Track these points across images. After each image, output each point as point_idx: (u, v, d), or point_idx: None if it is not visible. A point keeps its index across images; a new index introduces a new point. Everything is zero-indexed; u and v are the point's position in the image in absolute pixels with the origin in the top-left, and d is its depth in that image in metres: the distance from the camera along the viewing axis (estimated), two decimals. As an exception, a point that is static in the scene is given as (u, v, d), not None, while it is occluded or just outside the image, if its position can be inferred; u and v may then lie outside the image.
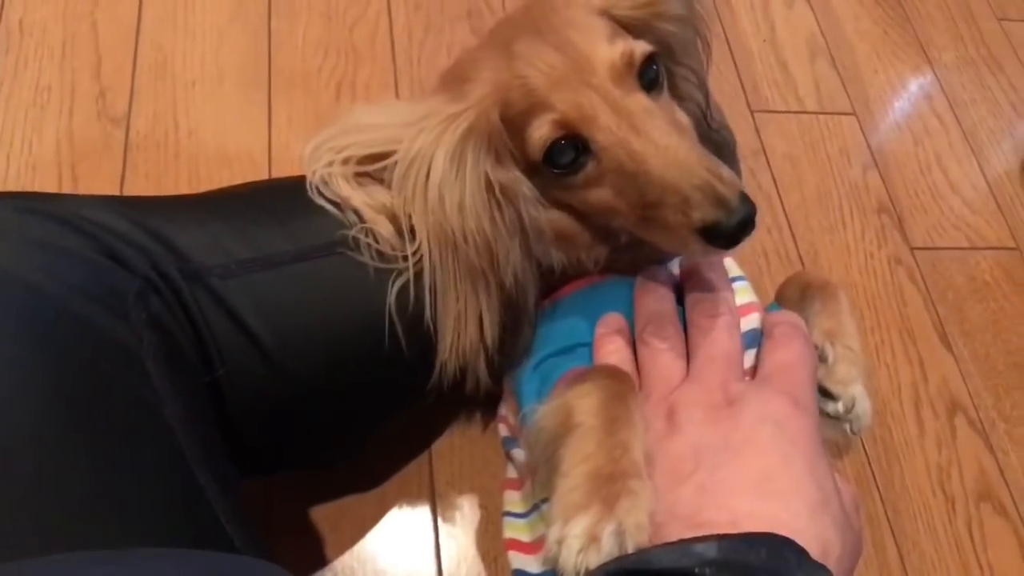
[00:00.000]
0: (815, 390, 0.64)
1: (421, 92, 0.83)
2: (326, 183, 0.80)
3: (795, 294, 0.90)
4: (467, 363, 0.79)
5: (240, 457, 0.86)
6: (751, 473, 0.54)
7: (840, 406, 0.70)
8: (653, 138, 0.64)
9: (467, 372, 0.80)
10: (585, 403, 0.60)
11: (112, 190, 1.30)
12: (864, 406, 0.73)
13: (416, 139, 0.73)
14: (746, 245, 0.63)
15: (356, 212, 0.81)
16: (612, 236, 0.76)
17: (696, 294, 0.70)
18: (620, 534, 0.52)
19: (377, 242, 0.79)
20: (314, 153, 0.82)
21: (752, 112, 1.62)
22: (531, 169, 0.72)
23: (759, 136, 1.59)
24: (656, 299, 0.72)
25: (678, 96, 0.78)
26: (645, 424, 0.61)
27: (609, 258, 0.78)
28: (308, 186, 0.81)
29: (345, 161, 0.79)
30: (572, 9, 0.72)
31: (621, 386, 0.63)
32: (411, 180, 0.73)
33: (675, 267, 0.78)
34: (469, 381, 0.81)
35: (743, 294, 0.75)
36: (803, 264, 1.45)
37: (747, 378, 0.66)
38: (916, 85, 1.72)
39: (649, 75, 0.69)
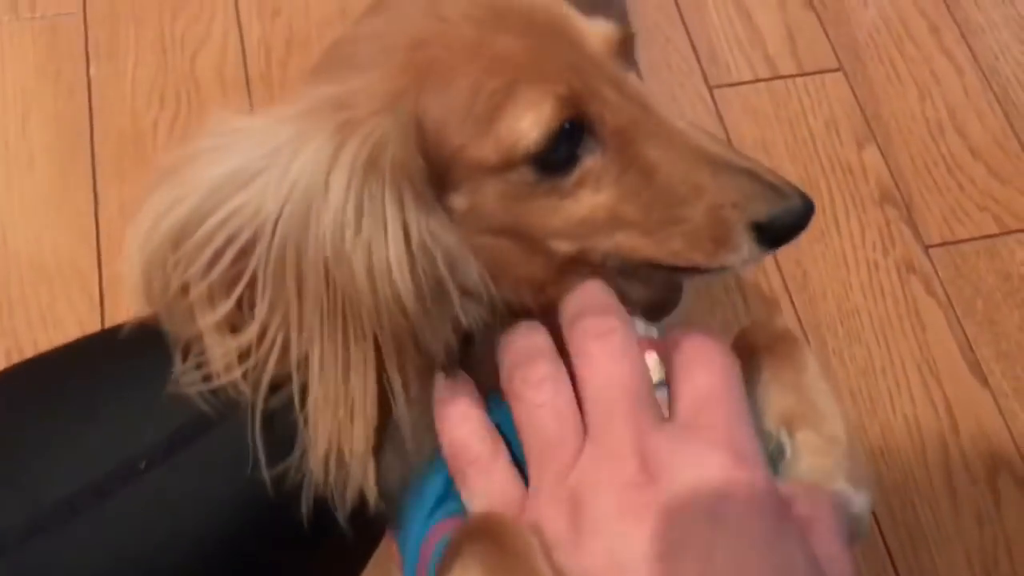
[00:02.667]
0: (751, 420, 0.50)
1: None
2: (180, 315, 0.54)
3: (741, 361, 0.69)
4: (348, 470, 0.56)
5: None
6: None
7: None
8: (670, 121, 0.53)
9: (344, 489, 0.56)
10: None
11: (-98, 342, 1.03)
12: (857, 505, 0.58)
13: (283, 176, 0.48)
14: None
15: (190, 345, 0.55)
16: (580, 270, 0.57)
17: (572, 310, 0.54)
18: None
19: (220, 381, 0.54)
20: (145, 269, 0.54)
21: (710, 88, 1.29)
22: (484, 172, 0.53)
23: (721, 121, 1.26)
24: (523, 333, 0.55)
25: None
26: (542, 528, 0.47)
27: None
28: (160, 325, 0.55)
29: (188, 285, 0.53)
30: None
31: (504, 555, 0.48)
32: (275, 242, 0.50)
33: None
34: (347, 500, 0.56)
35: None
36: (789, 294, 1.16)
37: (666, 416, 0.51)
38: (917, 13, 1.37)
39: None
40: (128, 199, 1.14)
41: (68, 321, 1.07)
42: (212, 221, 0.50)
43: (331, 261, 0.49)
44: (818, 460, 0.60)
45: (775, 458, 0.61)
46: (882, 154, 1.26)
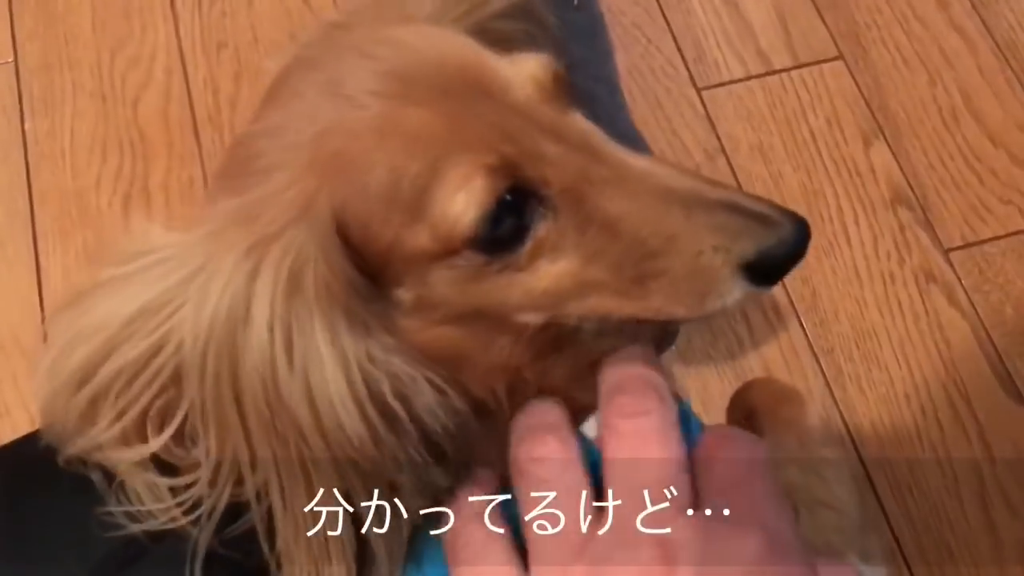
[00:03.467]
0: (787, 505, 0.47)
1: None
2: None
3: (737, 424, 0.69)
4: None
5: None
6: None
7: None
8: (626, 164, 0.47)
9: None
10: None
11: None
12: None
13: (200, 310, 0.44)
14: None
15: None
16: (556, 339, 0.53)
17: (610, 382, 0.50)
18: None
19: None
20: (50, 403, 0.49)
21: (699, 91, 1.18)
22: (425, 260, 0.48)
23: (713, 126, 1.16)
24: (533, 409, 0.51)
25: None
26: None
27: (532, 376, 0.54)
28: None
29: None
30: (409, 23, 0.50)
31: None
32: (203, 377, 0.46)
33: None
34: None
35: None
36: (797, 316, 1.06)
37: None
38: (922, -14, 1.25)
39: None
40: (73, 267, 1.06)
41: (16, 407, 0.99)
42: (121, 362, 0.45)
43: (269, 396, 0.45)
44: (824, 536, 0.58)
45: None
46: (891, 150, 1.15)
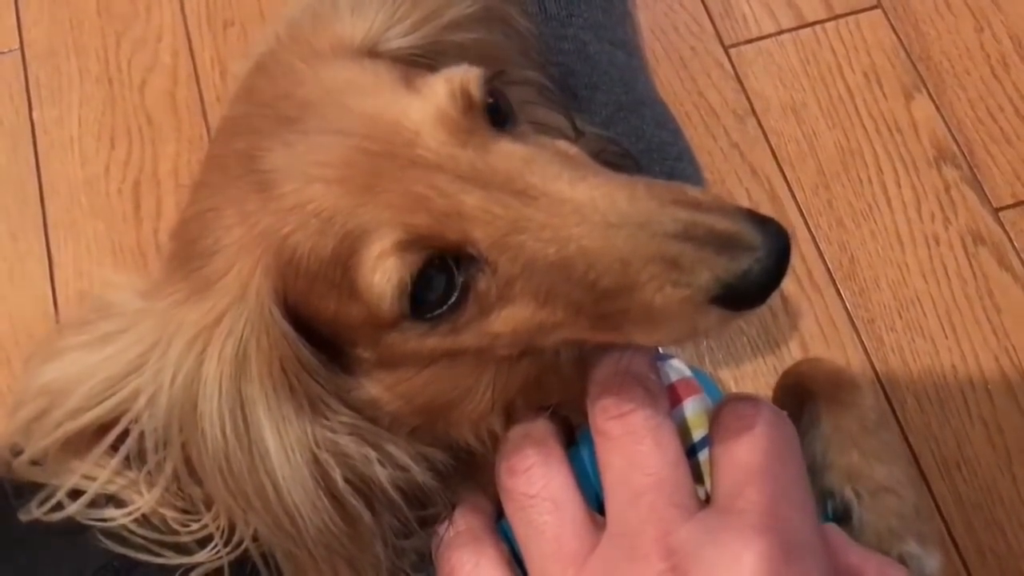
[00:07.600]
0: (809, 497, 0.46)
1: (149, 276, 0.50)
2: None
3: (789, 407, 0.67)
4: None
5: None
6: None
7: None
8: (563, 197, 0.44)
9: None
10: None
11: None
12: (929, 567, 0.56)
13: (160, 389, 0.46)
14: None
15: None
16: (538, 365, 0.52)
17: (594, 384, 0.50)
18: None
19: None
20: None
21: (726, 49, 1.12)
22: (372, 329, 0.48)
23: (742, 86, 1.09)
24: (519, 427, 0.51)
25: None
26: None
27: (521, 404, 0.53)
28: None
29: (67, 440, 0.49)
30: (323, 67, 0.49)
31: None
32: (167, 450, 0.47)
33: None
34: None
35: (675, 372, 0.55)
36: (835, 284, 1.00)
37: (701, 507, 0.47)
38: (967, -76, 1.17)
39: (496, 109, 0.48)
40: (85, 259, 1.04)
41: (31, 403, 0.98)
42: (75, 425, 0.46)
43: (228, 481, 0.46)
44: (885, 520, 0.58)
45: (840, 517, 0.58)
46: (934, 103, 1.08)
